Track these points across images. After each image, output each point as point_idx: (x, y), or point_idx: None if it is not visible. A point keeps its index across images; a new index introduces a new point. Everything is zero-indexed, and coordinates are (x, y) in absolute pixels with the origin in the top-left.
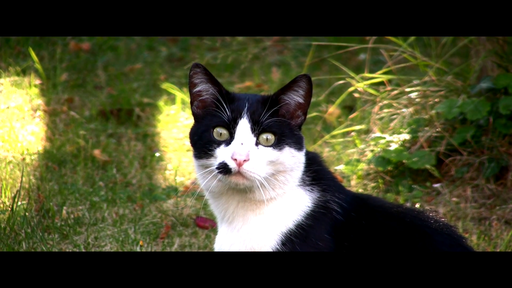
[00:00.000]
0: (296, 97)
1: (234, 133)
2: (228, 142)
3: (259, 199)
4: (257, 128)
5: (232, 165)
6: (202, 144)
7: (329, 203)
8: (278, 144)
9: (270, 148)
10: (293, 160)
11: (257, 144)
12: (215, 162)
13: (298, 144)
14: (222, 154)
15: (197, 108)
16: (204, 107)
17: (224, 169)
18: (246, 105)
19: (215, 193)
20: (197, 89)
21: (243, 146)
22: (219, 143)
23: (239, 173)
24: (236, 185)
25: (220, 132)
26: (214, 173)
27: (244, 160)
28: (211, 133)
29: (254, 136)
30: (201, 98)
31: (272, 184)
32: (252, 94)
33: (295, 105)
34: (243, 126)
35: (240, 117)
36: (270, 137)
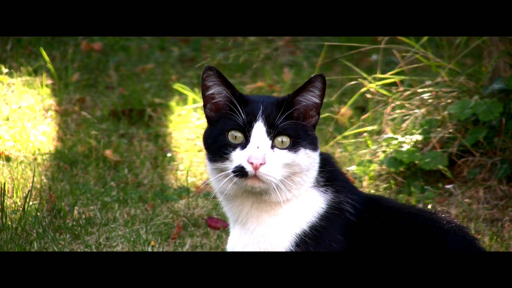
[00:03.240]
0: (312, 98)
1: (250, 136)
2: (243, 145)
3: (275, 201)
4: (273, 131)
5: (249, 168)
6: (217, 147)
7: (342, 204)
8: (293, 147)
9: (286, 151)
10: (308, 160)
11: (272, 147)
12: (230, 165)
13: (313, 145)
14: (238, 157)
15: (211, 111)
16: (218, 110)
17: (240, 172)
18: (261, 108)
19: (230, 196)
20: (210, 92)
21: (260, 150)
22: (234, 147)
23: (255, 176)
24: (252, 188)
25: (235, 135)
26: (230, 176)
27: (261, 164)
28: (226, 136)
29: (270, 139)
30: (214, 101)
31: (289, 185)
32: (266, 96)
33: (310, 106)
34: (259, 129)
35: (255, 120)
36: (286, 139)
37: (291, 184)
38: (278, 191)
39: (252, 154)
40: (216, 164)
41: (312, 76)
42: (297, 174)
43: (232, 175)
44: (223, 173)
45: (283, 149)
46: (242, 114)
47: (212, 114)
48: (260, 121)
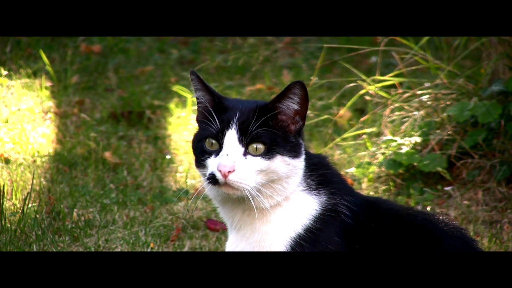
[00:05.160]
0: (291, 104)
1: (222, 144)
2: (217, 152)
3: (260, 207)
4: (245, 139)
5: (218, 176)
6: (197, 153)
7: (338, 206)
8: (268, 154)
9: (259, 158)
10: (287, 168)
11: (245, 154)
12: (207, 172)
13: (293, 152)
14: (211, 164)
15: (199, 114)
16: (202, 115)
17: (213, 179)
18: (237, 115)
19: (220, 201)
20: (196, 95)
21: (228, 157)
22: (210, 154)
23: (226, 183)
24: (227, 195)
25: (211, 142)
26: (205, 183)
27: (229, 172)
28: (204, 143)
29: (242, 146)
30: (199, 105)
31: (269, 192)
32: (252, 101)
33: (291, 112)
34: (230, 137)
35: (229, 127)
36: (260, 146)
37: (271, 191)
38: (257, 198)
39: (221, 162)
40: (198, 169)
41: (290, 83)
42: (276, 181)
43: (206, 182)
44: (203, 179)
45: (256, 156)
46: (217, 121)
47: (199, 117)
48: (233, 128)
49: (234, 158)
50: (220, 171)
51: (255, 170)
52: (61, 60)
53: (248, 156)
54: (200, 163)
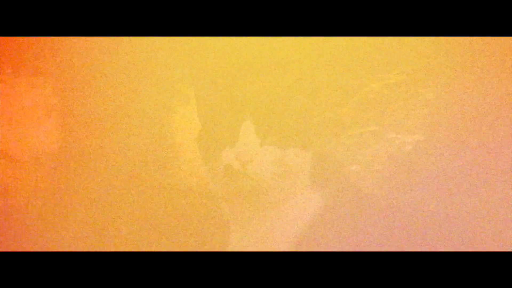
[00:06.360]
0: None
1: (238, 135)
2: (233, 144)
3: (270, 201)
4: (261, 131)
5: (236, 166)
6: (207, 148)
7: (341, 204)
8: (282, 145)
9: (274, 147)
10: (299, 160)
11: (261, 145)
12: (220, 165)
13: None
14: (226, 156)
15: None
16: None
17: (229, 170)
18: (250, 108)
19: (226, 196)
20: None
21: (247, 147)
22: (224, 146)
23: (244, 174)
24: (242, 186)
25: (225, 135)
26: (220, 175)
27: (248, 161)
28: (216, 137)
29: (258, 138)
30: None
31: (280, 185)
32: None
33: None
34: (246, 128)
35: (243, 120)
36: (275, 138)
37: (282, 184)
38: (270, 190)
39: (240, 151)
40: (208, 165)
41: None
42: (287, 174)
43: (222, 173)
44: (215, 171)
45: (271, 146)
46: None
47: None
48: (248, 120)
49: (252, 148)
50: (239, 160)
51: (270, 160)
52: (66, 58)
53: (264, 146)
54: (212, 156)
